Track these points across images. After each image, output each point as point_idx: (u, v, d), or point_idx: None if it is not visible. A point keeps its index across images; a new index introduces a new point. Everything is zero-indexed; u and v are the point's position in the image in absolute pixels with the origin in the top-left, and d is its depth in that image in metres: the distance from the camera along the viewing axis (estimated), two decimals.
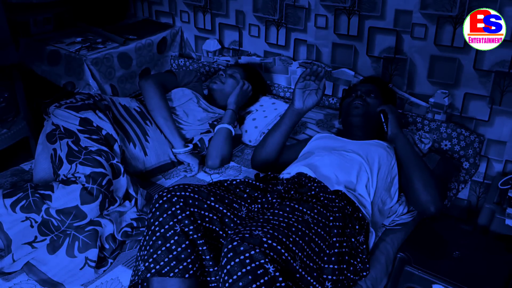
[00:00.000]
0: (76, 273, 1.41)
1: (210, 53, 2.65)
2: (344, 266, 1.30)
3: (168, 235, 1.24)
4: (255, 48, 2.55)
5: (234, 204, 1.36)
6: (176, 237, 1.23)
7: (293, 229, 1.21)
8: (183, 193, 1.29)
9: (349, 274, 1.32)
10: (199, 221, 1.28)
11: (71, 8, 2.79)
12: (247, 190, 1.43)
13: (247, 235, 1.12)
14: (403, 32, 2.04)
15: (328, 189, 1.44)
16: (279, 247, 1.13)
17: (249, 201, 1.39)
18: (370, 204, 1.50)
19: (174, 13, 2.82)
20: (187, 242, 1.23)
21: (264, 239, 1.12)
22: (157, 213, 1.26)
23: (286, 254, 1.14)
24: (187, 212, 1.26)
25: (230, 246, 1.11)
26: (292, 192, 1.42)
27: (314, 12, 2.25)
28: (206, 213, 1.30)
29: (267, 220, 1.23)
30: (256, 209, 1.37)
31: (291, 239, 1.18)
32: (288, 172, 1.60)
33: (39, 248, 1.44)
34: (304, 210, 1.28)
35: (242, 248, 1.09)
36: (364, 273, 1.38)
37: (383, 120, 1.74)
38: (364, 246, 1.39)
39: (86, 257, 1.42)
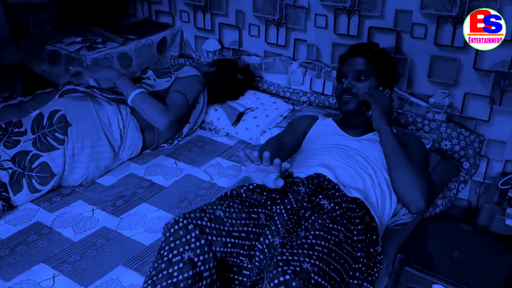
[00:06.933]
0: None
1: (210, 53, 2.65)
2: (363, 276, 1.30)
3: (174, 260, 1.18)
4: (255, 48, 2.55)
5: (253, 215, 1.31)
6: (181, 265, 1.17)
7: (332, 254, 1.19)
8: (199, 222, 1.23)
9: (368, 286, 1.31)
10: (213, 248, 1.22)
11: (71, 8, 2.79)
12: (265, 193, 1.39)
13: (298, 269, 1.11)
14: (403, 32, 2.04)
15: (348, 198, 1.40)
16: (323, 282, 1.13)
17: (269, 202, 1.35)
18: (379, 209, 1.49)
19: (174, 13, 2.82)
20: (190, 273, 1.17)
21: (312, 275, 1.11)
22: (171, 238, 1.22)
23: (329, 287, 1.15)
24: (202, 241, 1.21)
25: (282, 279, 1.08)
26: (320, 196, 1.36)
27: (314, 12, 2.25)
28: (224, 239, 1.25)
29: (311, 246, 1.19)
30: (278, 211, 1.31)
31: (331, 267, 1.17)
32: (301, 172, 1.54)
33: None
34: (338, 227, 1.26)
35: (294, 284, 1.08)
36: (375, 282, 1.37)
37: (366, 112, 1.63)
38: (382, 257, 1.37)
39: None
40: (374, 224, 1.42)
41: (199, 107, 2.19)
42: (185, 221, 1.22)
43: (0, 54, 2.35)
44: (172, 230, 1.22)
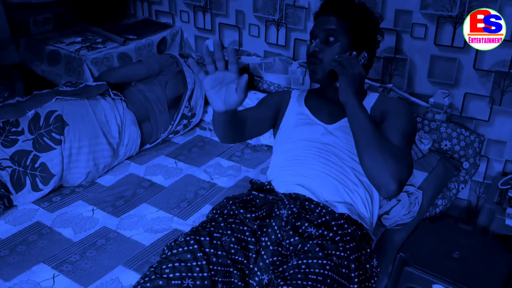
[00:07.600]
0: None
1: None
2: None
3: (173, 282, 1.18)
4: (255, 48, 2.55)
5: (246, 243, 1.31)
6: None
7: (328, 280, 1.18)
8: (207, 250, 1.24)
9: None
10: (215, 279, 1.22)
11: (71, 8, 2.79)
12: (257, 222, 1.35)
13: None
14: (403, 32, 2.04)
15: (335, 214, 1.35)
16: None
17: (259, 232, 1.33)
18: (367, 210, 1.45)
19: (174, 13, 2.82)
20: None
21: None
22: (177, 257, 1.22)
23: None
24: (205, 274, 1.20)
25: None
26: (306, 223, 1.32)
27: (314, 12, 2.24)
28: (225, 269, 1.25)
29: (305, 275, 1.18)
30: (264, 244, 1.30)
31: None
32: (280, 187, 1.47)
33: None
34: (332, 252, 1.25)
35: None
36: None
37: (334, 83, 1.49)
38: (379, 270, 1.35)
39: None
40: (365, 231, 1.40)
41: (189, 93, 2.19)
42: (195, 246, 1.23)
43: (0, 54, 2.35)
44: (180, 249, 1.22)
